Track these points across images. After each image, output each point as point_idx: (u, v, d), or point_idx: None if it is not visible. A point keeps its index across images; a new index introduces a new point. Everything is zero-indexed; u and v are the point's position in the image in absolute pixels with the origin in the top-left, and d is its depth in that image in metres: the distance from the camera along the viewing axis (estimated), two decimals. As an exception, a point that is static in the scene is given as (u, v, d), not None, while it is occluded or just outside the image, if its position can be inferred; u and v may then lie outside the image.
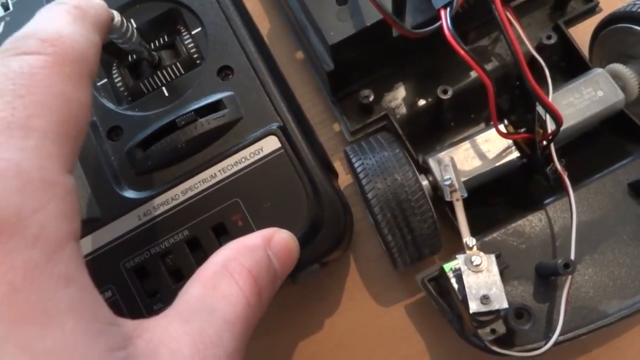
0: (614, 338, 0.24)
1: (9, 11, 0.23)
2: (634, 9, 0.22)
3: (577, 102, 0.22)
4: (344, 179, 0.27)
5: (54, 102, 0.13)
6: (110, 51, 0.22)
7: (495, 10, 0.18)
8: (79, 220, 0.13)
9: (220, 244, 0.19)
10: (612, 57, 0.24)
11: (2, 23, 0.22)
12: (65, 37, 0.14)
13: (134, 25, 0.21)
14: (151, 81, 0.22)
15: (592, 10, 0.25)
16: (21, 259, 0.11)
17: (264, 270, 0.16)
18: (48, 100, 0.13)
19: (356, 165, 0.21)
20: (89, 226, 0.19)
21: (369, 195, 0.20)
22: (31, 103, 0.12)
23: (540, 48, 0.23)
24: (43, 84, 0.13)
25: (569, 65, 0.25)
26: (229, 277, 0.15)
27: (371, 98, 0.24)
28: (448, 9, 0.19)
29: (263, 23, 0.31)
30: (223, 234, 0.19)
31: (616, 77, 0.23)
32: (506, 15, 0.20)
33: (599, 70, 0.23)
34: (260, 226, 0.19)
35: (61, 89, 0.13)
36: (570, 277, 0.19)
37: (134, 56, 0.22)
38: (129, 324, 0.13)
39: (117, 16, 0.18)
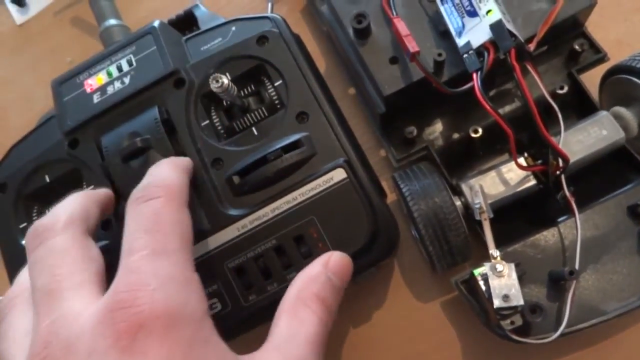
0: (616, 333, 0.28)
1: (132, 66, 0.29)
2: (632, 64, 0.27)
3: (585, 139, 0.27)
4: (390, 197, 0.32)
5: (176, 228, 0.20)
6: (210, 98, 0.28)
7: (515, 75, 0.23)
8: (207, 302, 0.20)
9: (299, 251, 0.25)
10: (617, 100, 0.29)
11: (129, 76, 0.29)
12: (171, 182, 0.22)
13: (230, 79, 0.28)
14: (242, 122, 0.28)
15: (602, 60, 0.29)
16: (186, 332, 0.18)
17: (328, 291, 0.22)
18: (171, 228, 0.20)
19: (404, 189, 0.27)
20: (201, 236, 0.26)
21: (415, 215, 0.26)
22: (164, 233, 0.19)
23: (554, 95, 0.28)
24: (165, 219, 0.20)
25: (580, 106, 0.30)
26: (303, 305, 0.21)
27: (414, 133, 0.29)
28: (479, 73, 0.24)
29: (320, 62, 0.37)
30: (302, 243, 0.25)
31: (618, 118, 0.27)
32: (525, 69, 0.26)
33: (604, 112, 0.27)
34: (331, 238, 0.25)
35: (177, 217, 0.20)
36: (574, 282, 0.24)
37: (228, 102, 0.28)
38: (245, 357, 0.19)
39: (226, 80, 0.24)
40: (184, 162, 0.25)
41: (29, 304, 0.20)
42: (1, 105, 0.43)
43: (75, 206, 0.21)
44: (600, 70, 0.31)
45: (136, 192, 0.21)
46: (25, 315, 0.20)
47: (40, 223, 0.21)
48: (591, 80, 0.31)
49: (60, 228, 0.20)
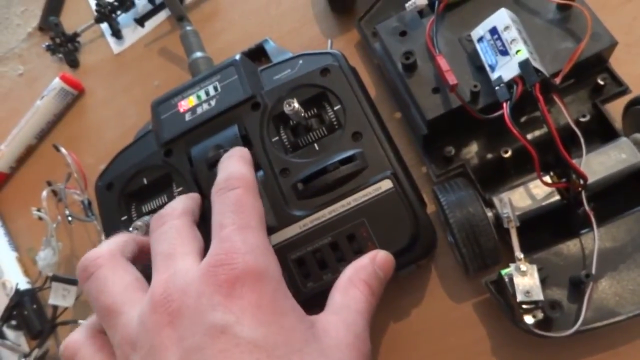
0: (635, 339, 0.31)
1: (218, 92, 0.35)
2: (648, 97, 0.30)
3: (606, 161, 0.31)
4: (430, 208, 0.37)
5: (254, 211, 0.26)
6: (280, 118, 0.34)
7: (539, 105, 0.27)
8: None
9: (351, 247, 0.30)
10: (637, 127, 0.32)
11: (215, 99, 0.35)
12: (245, 174, 0.27)
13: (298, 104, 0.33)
14: (306, 139, 0.33)
15: (624, 92, 0.33)
16: (270, 287, 0.23)
17: (373, 279, 0.27)
18: (251, 211, 0.25)
19: (442, 200, 0.31)
20: (270, 231, 0.31)
21: (451, 221, 0.30)
22: (247, 214, 0.25)
23: (578, 122, 0.32)
24: (246, 204, 0.26)
25: (604, 133, 0.33)
26: (353, 287, 0.27)
27: (452, 153, 0.34)
28: (508, 102, 0.29)
29: (371, 89, 0.42)
30: (353, 241, 0.30)
31: (637, 143, 0.31)
32: (552, 99, 0.30)
33: (624, 138, 0.31)
34: (378, 237, 0.30)
35: (253, 202, 0.26)
36: (591, 284, 0.28)
37: (295, 122, 0.34)
38: (309, 317, 0.24)
39: (296, 104, 0.30)
40: (247, 155, 0.30)
41: (116, 264, 0.25)
42: (100, 120, 0.51)
43: (187, 202, 0.28)
44: (624, 101, 0.34)
45: (219, 184, 0.27)
46: (116, 272, 0.25)
47: (163, 211, 0.28)
48: (617, 109, 0.35)
49: (177, 215, 0.27)
